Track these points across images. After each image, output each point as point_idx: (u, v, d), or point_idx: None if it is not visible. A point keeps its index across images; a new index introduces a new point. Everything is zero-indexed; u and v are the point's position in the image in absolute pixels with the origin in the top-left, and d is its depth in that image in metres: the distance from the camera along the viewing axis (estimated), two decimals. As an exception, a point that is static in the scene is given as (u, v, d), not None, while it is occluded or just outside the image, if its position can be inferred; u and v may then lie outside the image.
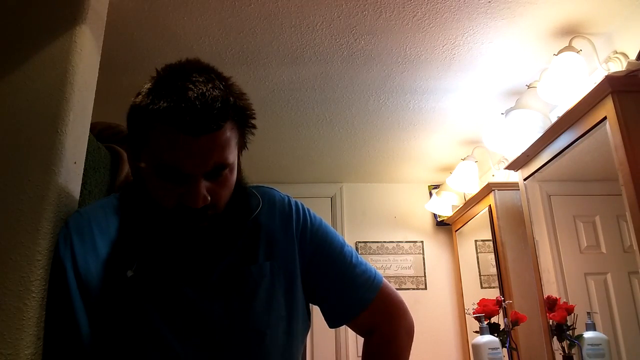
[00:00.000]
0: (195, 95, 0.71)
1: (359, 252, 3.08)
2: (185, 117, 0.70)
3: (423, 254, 3.18)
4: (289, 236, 0.89)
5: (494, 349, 1.89)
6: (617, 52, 1.71)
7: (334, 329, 2.84)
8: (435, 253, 3.19)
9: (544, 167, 1.90)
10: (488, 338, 1.93)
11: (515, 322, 2.02)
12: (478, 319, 2.02)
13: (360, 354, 1.12)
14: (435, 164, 3.01)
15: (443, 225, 3.21)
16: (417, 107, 2.29)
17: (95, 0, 1.10)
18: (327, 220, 0.96)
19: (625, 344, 1.67)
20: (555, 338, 1.80)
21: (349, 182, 3.30)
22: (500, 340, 1.97)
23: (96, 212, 0.85)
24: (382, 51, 1.86)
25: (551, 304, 1.82)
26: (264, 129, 2.31)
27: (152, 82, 0.76)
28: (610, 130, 1.48)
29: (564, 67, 1.69)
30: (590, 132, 1.60)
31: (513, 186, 2.33)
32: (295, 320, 0.86)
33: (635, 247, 1.37)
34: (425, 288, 3.10)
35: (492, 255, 2.36)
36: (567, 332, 1.74)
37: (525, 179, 2.04)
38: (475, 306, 2.13)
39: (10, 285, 0.81)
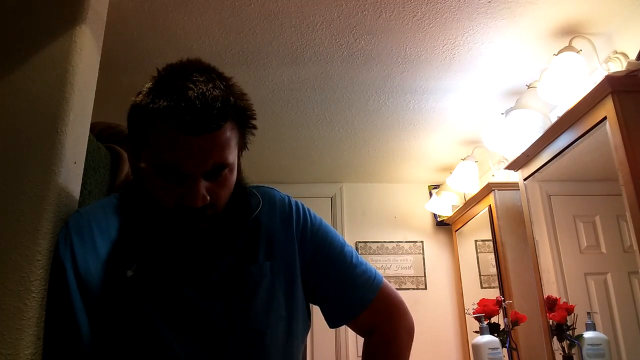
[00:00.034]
0: (196, 94, 0.71)
1: (359, 252, 3.07)
2: (185, 117, 0.70)
3: (423, 254, 3.18)
4: (289, 236, 0.89)
5: (494, 349, 1.89)
6: (617, 52, 1.71)
7: (334, 329, 2.85)
8: (435, 253, 3.19)
9: (544, 167, 1.90)
10: (488, 338, 1.93)
11: (515, 322, 2.02)
12: (478, 319, 2.02)
13: (360, 354, 1.12)
14: (435, 164, 3.01)
15: (443, 225, 3.21)
16: (417, 107, 2.29)
17: (95, 0, 1.10)
18: (327, 220, 0.96)
19: (625, 344, 1.67)
20: (555, 338, 1.80)
21: (349, 182, 3.30)
22: (500, 340, 1.97)
23: (96, 212, 0.85)
24: (382, 51, 1.86)
25: (551, 304, 1.82)
26: (264, 129, 2.31)
27: (152, 82, 0.76)
28: (610, 130, 1.48)
29: (564, 67, 1.69)
30: (590, 132, 1.60)
31: (513, 186, 2.33)
32: (295, 320, 0.86)
33: (635, 247, 1.37)
34: (425, 288, 3.10)
35: (492, 255, 2.36)
36: (567, 332, 1.74)
37: (525, 179, 2.04)
38: (475, 306, 2.13)
39: (10, 285, 0.81)
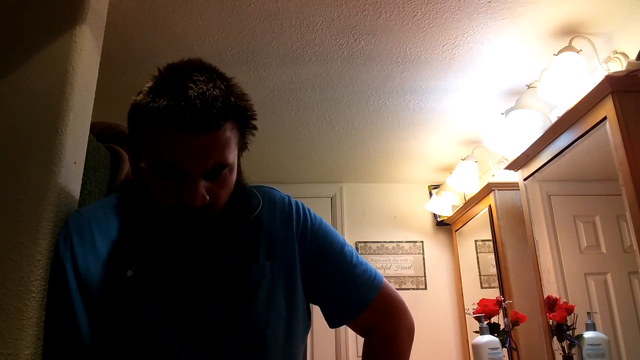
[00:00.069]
0: (196, 94, 0.71)
1: (359, 252, 3.07)
2: (185, 116, 0.70)
3: (423, 254, 3.18)
4: (289, 236, 0.89)
5: (494, 349, 1.89)
6: (617, 52, 1.71)
7: (334, 329, 2.85)
8: (435, 253, 3.19)
9: (544, 167, 1.90)
10: (488, 338, 1.93)
11: (515, 322, 2.02)
12: (478, 319, 2.02)
13: (360, 354, 1.12)
14: (435, 164, 3.01)
15: (443, 225, 3.21)
16: (417, 107, 2.29)
17: (95, 0, 1.10)
18: (327, 220, 0.96)
19: (625, 344, 1.67)
20: (555, 338, 1.80)
21: (349, 182, 3.30)
22: (500, 340, 1.97)
23: (96, 212, 0.85)
24: (382, 51, 1.86)
25: (551, 304, 1.82)
26: (264, 129, 2.30)
27: (153, 81, 0.76)
28: (610, 130, 1.48)
29: (564, 67, 1.69)
30: (590, 132, 1.60)
31: (513, 186, 2.33)
32: (295, 320, 0.86)
33: (635, 247, 1.37)
34: (425, 288, 3.10)
35: (492, 255, 2.36)
36: (567, 332, 1.74)
37: (525, 179, 2.04)
38: (475, 306, 2.13)
39: (10, 285, 0.81)
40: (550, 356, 1.83)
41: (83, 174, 1.02)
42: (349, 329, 0.97)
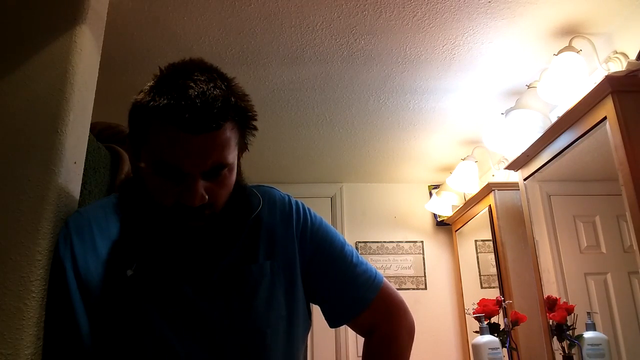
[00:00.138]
0: (196, 93, 0.71)
1: (359, 252, 3.07)
2: (185, 115, 0.70)
3: (423, 254, 3.18)
4: (289, 235, 0.89)
5: (494, 349, 1.89)
6: (617, 52, 1.71)
7: (334, 329, 2.85)
8: (435, 253, 3.19)
9: (544, 167, 1.90)
10: (488, 338, 1.93)
11: (515, 322, 2.02)
12: (478, 319, 2.02)
13: (360, 354, 1.12)
14: (435, 164, 3.01)
15: (443, 225, 3.21)
16: (417, 107, 2.29)
17: (95, 0, 1.10)
18: (327, 220, 0.96)
19: (625, 344, 1.67)
20: (555, 338, 1.80)
21: (349, 182, 3.30)
22: (500, 340, 1.97)
23: (96, 212, 0.85)
24: (382, 51, 1.86)
25: (551, 304, 1.82)
26: (264, 129, 2.30)
27: (154, 80, 0.77)
28: (610, 130, 1.48)
29: (564, 67, 1.69)
30: (590, 132, 1.60)
31: (513, 186, 2.33)
32: (295, 319, 0.86)
33: (635, 247, 1.37)
34: (425, 288, 3.10)
35: (492, 255, 2.36)
36: (567, 332, 1.74)
37: (525, 179, 2.04)
38: (475, 306, 2.13)
39: (10, 285, 0.81)
40: (550, 356, 1.83)
41: (83, 174, 1.02)
42: (349, 329, 0.97)
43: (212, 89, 0.73)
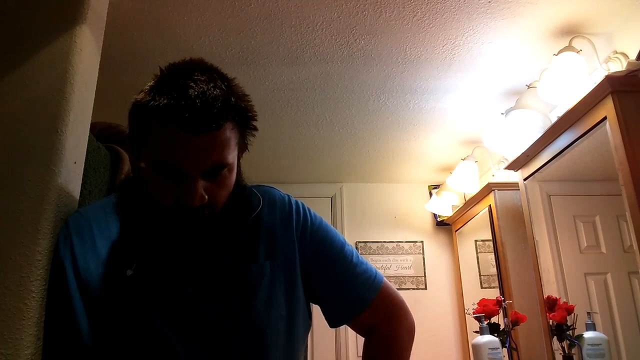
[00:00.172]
0: (196, 93, 0.71)
1: (359, 252, 3.07)
2: (185, 115, 0.70)
3: (423, 254, 3.18)
4: (289, 235, 0.89)
5: (494, 349, 1.89)
6: (617, 52, 1.71)
7: (334, 329, 2.85)
8: (435, 253, 3.19)
9: (544, 167, 1.90)
10: (488, 338, 1.93)
11: (515, 322, 2.02)
12: (478, 319, 2.02)
13: (360, 354, 1.12)
14: (435, 164, 3.01)
15: (443, 225, 3.21)
16: (417, 107, 2.29)
17: (95, 0, 1.10)
18: (327, 220, 0.96)
19: (625, 344, 1.67)
20: (555, 338, 1.80)
21: (349, 182, 3.30)
22: (500, 340, 1.97)
23: (96, 212, 0.85)
24: (382, 51, 1.86)
25: (551, 304, 1.82)
26: (264, 129, 2.31)
27: (154, 80, 0.77)
28: (610, 130, 1.48)
29: (564, 67, 1.69)
30: (590, 132, 1.60)
31: (513, 186, 2.33)
32: (295, 319, 0.86)
33: (635, 247, 1.37)
34: (425, 288, 3.10)
35: (492, 255, 2.36)
36: (567, 332, 1.74)
37: (525, 179, 2.04)
38: (475, 306, 2.13)
39: (10, 285, 0.81)
40: (550, 356, 1.83)
41: (83, 174, 1.02)
42: (349, 328, 0.97)
43: (212, 89, 0.73)
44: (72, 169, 0.96)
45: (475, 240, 2.78)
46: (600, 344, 1.64)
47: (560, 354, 1.77)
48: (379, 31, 1.75)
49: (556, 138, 1.78)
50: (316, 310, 0.95)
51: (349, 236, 3.17)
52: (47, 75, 0.97)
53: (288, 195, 0.95)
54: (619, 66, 1.68)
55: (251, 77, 2.02)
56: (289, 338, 0.84)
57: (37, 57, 0.98)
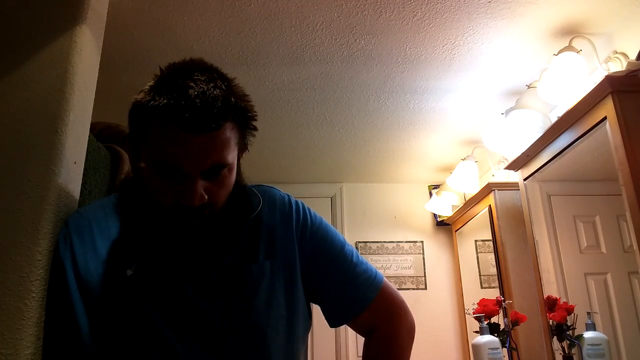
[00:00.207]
0: (196, 93, 0.71)
1: (359, 252, 3.07)
2: (185, 115, 0.70)
3: (423, 254, 3.18)
4: (289, 235, 0.89)
5: (494, 349, 1.89)
6: (617, 52, 1.71)
7: (334, 329, 2.85)
8: (435, 253, 3.19)
9: (544, 167, 1.90)
10: (488, 338, 1.93)
11: (515, 322, 2.02)
12: (478, 319, 2.02)
13: (360, 354, 1.12)
14: (435, 164, 3.01)
15: (443, 225, 3.21)
16: (417, 107, 2.29)
17: (95, 0, 1.10)
18: (327, 220, 0.96)
19: (625, 344, 1.67)
20: (555, 338, 1.80)
21: (349, 182, 3.30)
22: (500, 340, 1.97)
23: (96, 212, 0.85)
24: (382, 51, 1.86)
25: (551, 304, 1.82)
26: (264, 129, 2.31)
27: (154, 80, 0.77)
28: (610, 130, 1.48)
29: (564, 67, 1.69)
30: (590, 132, 1.60)
31: (513, 186, 2.33)
32: (295, 319, 0.86)
33: (635, 247, 1.37)
34: (425, 288, 3.10)
35: (492, 255, 2.36)
36: (567, 332, 1.74)
37: (525, 179, 2.04)
38: (475, 306, 2.13)
39: (10, 285, 0.81)
40: (550, 356, 1.83)
41: (83, 174, 1.02)
42: (349, 328, 0.97)
43: (212, 89, 0.73)
44: (72, 169, 0.96)
45: (475, 240, 2.78)
46: (600, 344, 1.64)
47: (560, 354, 1.77)
48: (379, 31, 1.75)
49: (556, 138, 1.78)
50: (316, 310, 0.95)
51: (349, 236, 3.17)
52: (47, 75, 0.97)
53: (288, 195, 0.95)
54: (619, 66, 1.68)
55: (251, 77, 2.02)
56: (289, 338, 0.84)
57: (37, 57, 0.98)
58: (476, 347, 1.93)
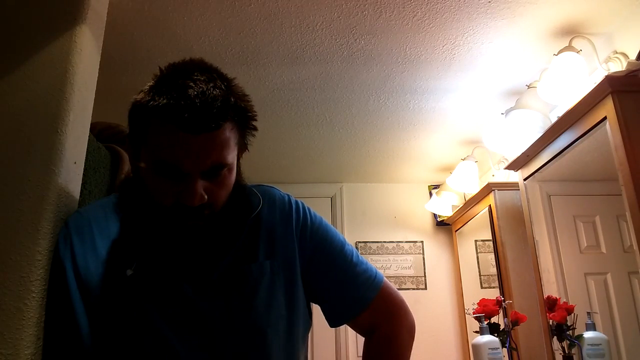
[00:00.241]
0: (196, 93, 0.71)
1: (359, 252, 3.07)
2: (184, 115, 0.70)
3: (423, 254, 3.18)
4: (289, 235, 0.89)
5: (494, 349, 1.89)
6: (617, 52, 1.71)
7: (334, 329, 2.85)
8: (435, 253, 3.19)
9: (544, 167, 1.90)
10: (488, 338, 1.93)
11: (515, 322, 2.02)
12: (478, 319, 2.02)
13: (360, 354, 1.12)
14: (435, 164, 3.01)
15: (443, 225, 3.21)
16: (417, 107, 2.29)
17: (95, 0, 1.10)
18: (327, 220, 0.96)
19: (625, 344, 1.67)
20: (555, 338, 1.80)
21: (349, 182, 3.30)
22: (500, 340, 1.97)
23: (96, 212, 0.85)
24: (382, 51, 1.86)
25: (551, 304, 1.82)
26: (264, 129, 2.30)
27: (154, 80, 0.77)
28: (610, 130, 1.48)
29: (564, 67, 1.69)
30: (590, 132, 1.60)
31: (513, 186, 2.33)
32: (296, 319, 0.86)
33: (635, 247, 1.37)
34: (425, 288, 3.10)
35: (492, 255, 2.36)
36: (567, 332, 1.74)
37: (525, 179, 2.04)
38: (475, 306, 2.13)
39: (10, 285, 0.81)
40: (550, 356, 1.83)
41: (83, 174, 1.02)
42: (349, 328, 0.97)
43: (211, 88, 0.73)
44: (72, 169, 0.96)
45: (475, 240, 2.78)
46: (600, 344, 1.64)
47: (560, 354, 1.77)
48: (379, 31, 1.75)
49: (556, 138, 1.78)
50: (316, 310, 0.95)
51: (349, 236, 3.17)
52: (47, 75, 0.97)
53: (288, 195, 0.95)
54: (619, 66, 1.68)
55: (251, 77, 2.02)
56: (289, 338, 0.84)
57: (37, 57, 0.98)
58: (476, 347, 1.93)
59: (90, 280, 0.77)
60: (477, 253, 2.77)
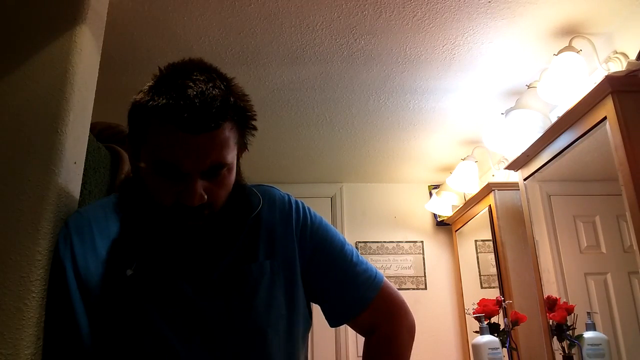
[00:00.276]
0: (195, 93, 0.71)
1: (359, 252, 3.06)
2: (184, 115, 0.70)
3: (423, 254, 3.18)
4: (289, 234, 0.89)
5: (494, 349, 1.89)
6: (617, 52, 1.71)
7: (334, 329, 2.85)
8: (435, 253, 3.19)
9: (544, 167, 1.90)
10: (488, 338, 1.93)
11: (515, 322, 2.02)
12: (478, 319, 2.02)
13: (360, 354, 1.12)
14: (435, 164, 3.01)
15: (443, 225, 3.21)
16: (417, 107, 2.29)
17: (95, 0, 1.10)
18: (327, 220, 0.96)
19: (625, 344, 1.67)
20: (555, 338, 1.80)
21: (349, 182, 3.30)
22: (500, 340, 1.97)
23: (96, 212, 0.85)
24: (382, 51, 1.86)
25: (551, 304, 1.82)
26: (264, 129, 2.31)
27: (154, 80, 0.77)
28: (610, 130, 1.48)
29: (564, 67, 1.69)
30: (590, 132, 1.60)
31: (513, 186, 2.33)
32: (296, 319, 0.86)
33: (635, 247, 1.37)
34: (425, 288, 3.10)
35: (492, 255, 2.36)
36: (567, 332, 1.74)
37: (525, 179, 2.04)
38: (475, 306, 2.13)
39: (10, 285, 0.81)
40: (550, 356, 1.83)
41: (83, 174, 1.02)
42: (349, 328, 0.97)
43: (211, 88, 0.73)
44: (72, 169, 0.96)
45: (475, 240, 2.78)
46: (600, 344, 1.64)
47: (560, 354, 1.77)
48: (379, 31, 1.75)
49: (556, 138, 1.78)
50: (316, 310, 0.95)
51: (349, 236, 3.17)
52: (47, 75, 0.97)
53: (288, 195, 0.95)
54: (619, 66, 1.68)
55: (251, 77, 2.02)
56: (289, 337, 0.84)
57: (37, 57, 0.98)
58: (476, 347, 1.93)
59: (90, 280, 0.77)
60: (477, 253, 2.77)
